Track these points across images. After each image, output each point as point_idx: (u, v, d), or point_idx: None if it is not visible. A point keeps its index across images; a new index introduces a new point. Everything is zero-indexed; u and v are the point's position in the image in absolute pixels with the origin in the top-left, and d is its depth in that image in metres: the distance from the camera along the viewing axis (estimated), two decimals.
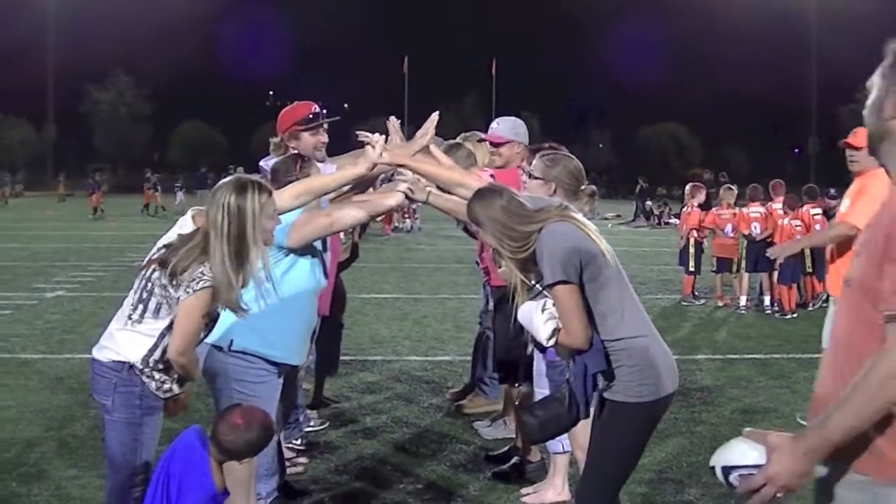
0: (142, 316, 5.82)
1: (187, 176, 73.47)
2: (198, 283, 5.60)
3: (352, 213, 6.83)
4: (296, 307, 6.87)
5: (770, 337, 17.08)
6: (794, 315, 19.86)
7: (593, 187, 7.34)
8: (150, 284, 5.79)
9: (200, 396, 9.56)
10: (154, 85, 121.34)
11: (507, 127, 9.80)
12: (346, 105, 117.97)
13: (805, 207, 21.55)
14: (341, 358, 12.14)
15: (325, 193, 6.72)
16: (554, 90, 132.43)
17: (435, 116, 7.06)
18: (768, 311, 20.36)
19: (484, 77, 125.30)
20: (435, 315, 18.83)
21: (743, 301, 20.86)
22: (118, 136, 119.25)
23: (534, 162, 7.11)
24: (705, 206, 23.88)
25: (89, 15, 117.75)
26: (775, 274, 20.48)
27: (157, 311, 5.76)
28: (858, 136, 9.37)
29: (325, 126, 8.35)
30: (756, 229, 21.22)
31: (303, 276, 6.86)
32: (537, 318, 5.81)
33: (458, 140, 10.32)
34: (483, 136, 10.08)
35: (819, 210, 21.89)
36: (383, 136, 6.63)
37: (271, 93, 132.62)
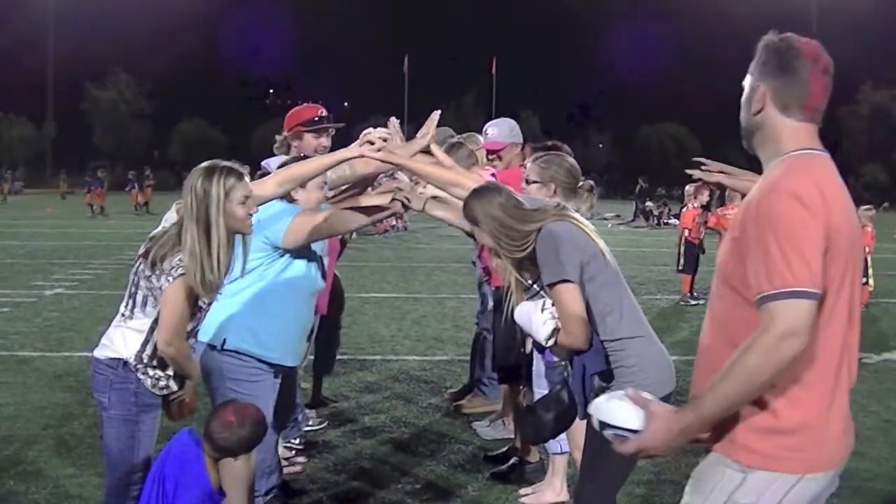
0: (132, 311, 5.86)
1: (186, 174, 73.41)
2: (176, 270, 5.64)
3: (348, 219, 6.81)
4: (292, 308, 6.85)
5: None
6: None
7: (591, 182, 7.36)
8: (136, 278, 5.84)
9: (199, 396, 9.56)
10: (154, 83, 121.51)
11: (503, 131, 9.82)
12: (346, 104, 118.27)
13: None
14: (340, 357, 12.12)
15: (309, 179, 6.66)
16: (554, 89, 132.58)
17: (436, 116, 7.05)
18: None
19: (484, 76, 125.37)
20: (434, 315, 18.83)
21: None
22: (118, 134, 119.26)
23: (528, 166, 7.11)
24: (707, 207, 23.87)
25: (89, 13, 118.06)
26: None
27: (145, 304, 5.79)
28: None
29: (332, 132, 8.40)
30: None
31: (299, 277, 6.84)
32: (536, 317, 5.80)
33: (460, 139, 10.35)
34: (481, 144, 10.07)
35: None
36: (383, 131, 6.62)
37: (271, 91, 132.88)
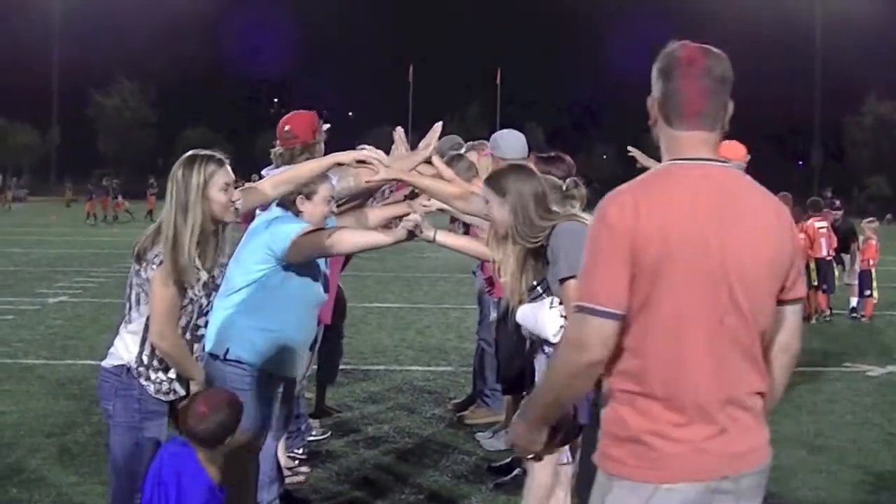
0: (129, 313, 5.93)
1: None
2: (157, 257, 5.75)
3: (353, 239, 6.78)
4: (294, 318, 6.84)
5: None
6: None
7: (574, 179, 7.37)
8: (129, 279, 5.89)
9: None
10: (158, 90, 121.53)
11: (512, 146, 9.83)
12: (350, 113, 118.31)
13: (810, 221, 21.60)
14: (343, 367, 12.11)
15: (305, 180, 6.66)
16: (558, 100, 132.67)
17: (438, 127, 7.05)
18: None
19: (489, 86, 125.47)
20: (438, 325, 18.82)
21: None
22: (122, 142, 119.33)
23: (482, 191, 7.03)
24: None
25: (94, 20, 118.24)
26: None
27: (139, 302, 5.88)
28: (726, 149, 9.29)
29: (324, 137, 8.34)
30: None
31: (302, 288, 6.82)
32: (543, 314, 5.83)
33: (461, 151, 10.35)
34: (489, 151, 10.07)
35: (825, 223, 21.96)
36: (381, 153, 6.60)
37: (276, 100, 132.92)
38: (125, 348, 5.92)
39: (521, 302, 6.23)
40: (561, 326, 5.71)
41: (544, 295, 5.92)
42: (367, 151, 6.52)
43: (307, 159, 7.83)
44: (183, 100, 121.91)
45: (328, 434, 10.51)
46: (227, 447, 5.79)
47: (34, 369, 13.64)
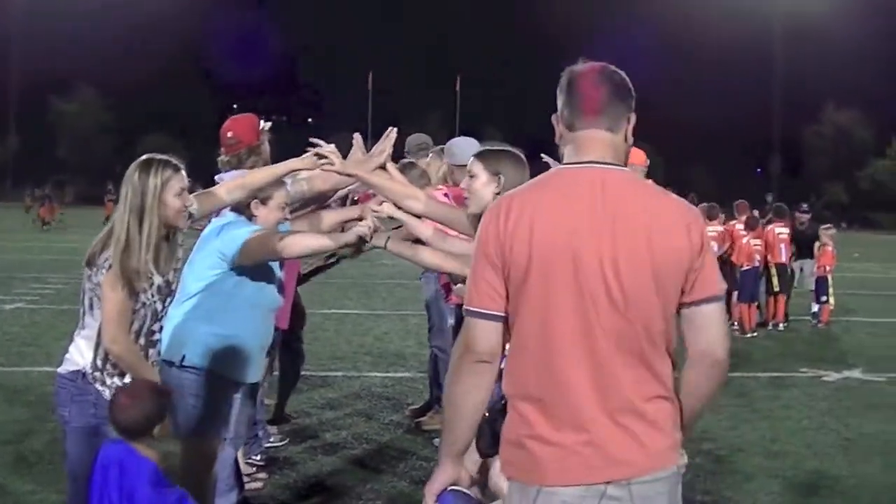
0: (83, 318, 5.91)
1: None
2: (107, 261, 5.76)
3: (304, 242, 6.75)
4: (250, 323, 6.83)
5: (730, 356, 17.04)
6: (755, 334, 20.00)
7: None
8: (83, 284, 5.90)
9: None
10: (118, 97, 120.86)
11: (451, 150, 9.88)
12: (309, 119, 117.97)
13: (770, 226, 21.75)
14: (302, 374, 12.07)
15: (260, 186, 6.67)
16: (517, 107, 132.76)
17: (392, 133, 7.04)
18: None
19: (448, 93, 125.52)
20: (396, 331, 18.83)
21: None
22: (81, 148, 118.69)
23: (470, 161, 6.83)
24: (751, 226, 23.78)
25: (53, 26, 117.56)
26: (735, 293, 20.59)
27: (92, 307, 5.89)
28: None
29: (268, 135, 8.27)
30: (714, 248, 21.28)
31: (257, 293, 6.82)
32: None
33: (428, 150, 10.44)
34: (448, 160, 10.12)
35: (786, 230, 22.11)
36: (330, 146, 6.59)
37: (235, 107, 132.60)
38: (80, 354, 5.91)
39: None
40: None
41: None
42: (320, 147, 6.51)
43: (255, 162, 7.82)
44: (142, 106, 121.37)
45: (286, 441, 10.49)
46: (159, 437, 5.74)
47: None
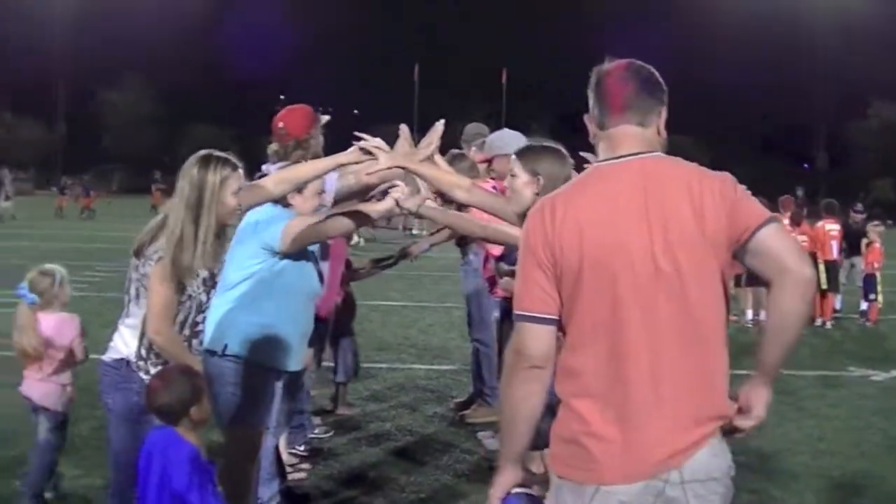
0: (128, 307, 5.93)
1: None
2: (157, 253, 5.77)
3: (343, 221, 6.80)
4: (290, 312, 6.84)
5: None
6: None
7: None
8: (129, 273, 5.90)
9: None
10: (165, 86, 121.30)
11: (489, 145, 9.86)
12: (356, 111, 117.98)
13: (821, 223, 21.56)
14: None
15: (307, 181, 6.69)
16: (564, 101, 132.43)
17: (440, 126, 7.02)
18: None
19: (495, 86, 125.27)
20: (441, 323, 18.87)
21: (749, 315, 20.65)
22: (129, 137, 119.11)
23: (511, 160, 6.88)
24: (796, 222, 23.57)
25: (102, 16, 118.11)
26: None
27: (137, 297, 5.90)
28: None
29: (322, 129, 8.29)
30: None
31: (297, 281, 6.84)
32: None
33: (483, 139, 10.44)
34: (473, 156, 10.12)
35: (836, 226, 21.90)
36: (380, 140, 6.59)
37: (282, 97, 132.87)
38: (124, 342, 5.93)
39: None
40: None
41: None
42: (366, 141, 6.51)
43: (301, 156, 7.81)
44: (189, 96, 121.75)
45: (331, 432, 10.51)
46: (198, 420, 5.75)
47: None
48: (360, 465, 9.56)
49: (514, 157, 6.36)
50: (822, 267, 21.10)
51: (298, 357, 7.12)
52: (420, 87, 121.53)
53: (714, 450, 3.85)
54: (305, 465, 9.33)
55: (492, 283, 10.01)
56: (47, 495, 8.24)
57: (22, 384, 7.99)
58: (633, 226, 3.80)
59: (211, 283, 6.20)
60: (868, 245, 22.68)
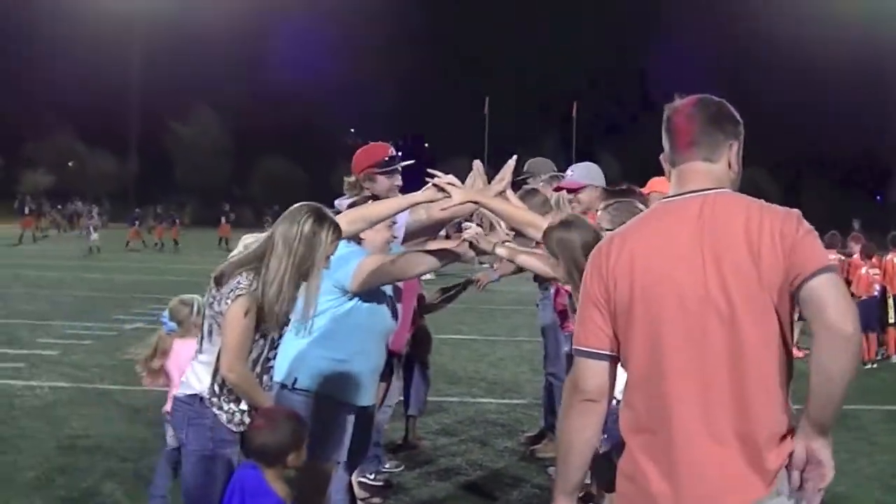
0: (201, 344, 5.95)
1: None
2: (234, 292, 5.71)
3: (417, 262, 6.82)
4: (362, 347, 6.86)
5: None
6: (874, 365, 19.53)
7: None
8: (203, 310, 5.93)
9: None
10: (234, 119, 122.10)
11: (582, 172, 9.80)
12: (426, 145, 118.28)
13: (889, 256, 21.31)
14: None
15: (380, 220, 6.74)
16: (635, 134, 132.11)
17: (512, 162, 7.04)
18: None
19: (565, 119, 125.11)
20: (511, 357, 18.80)
21: None
22: (199, 170, 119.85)
23: (599, 214, 7.07)
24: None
25: (174, 49, 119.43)
26: None
27: (211, 333, 5.88)
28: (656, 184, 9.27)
29: (400, 169, 8.35)
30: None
31: (369, 318, 6.86)
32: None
33: (540, 184, 10.38)
34: (560, 183, 10.08)
35: None
36: (452, 177, 6.61)
37: (352, 130, 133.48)
38: (197, 378, 5.94)
39: None
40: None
41: None
42: (439, 178, 6.53)
43: (358, 192, 7.88)
44: (258, 129, 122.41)
45: (401, 467, 10.51)
46: (292, 467, 5.79)
47: (111, 394, 13.78)
48: (429, 500, 9.55)
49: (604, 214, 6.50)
50: (891, 301, 20.82)
51: (370, 392, 7.14)
52: (490, 120, 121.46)
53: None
54: (376, 500, 9.34)
55: (563, 317, 9.98)
56: None
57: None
58: (685, 258, 3.80)
59: (284, 321, 6.22)
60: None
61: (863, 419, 13.69)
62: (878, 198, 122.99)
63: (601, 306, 3.96)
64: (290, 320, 6.25)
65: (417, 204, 6.69)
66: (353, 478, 8.38)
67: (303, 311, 5.99)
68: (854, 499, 9.95)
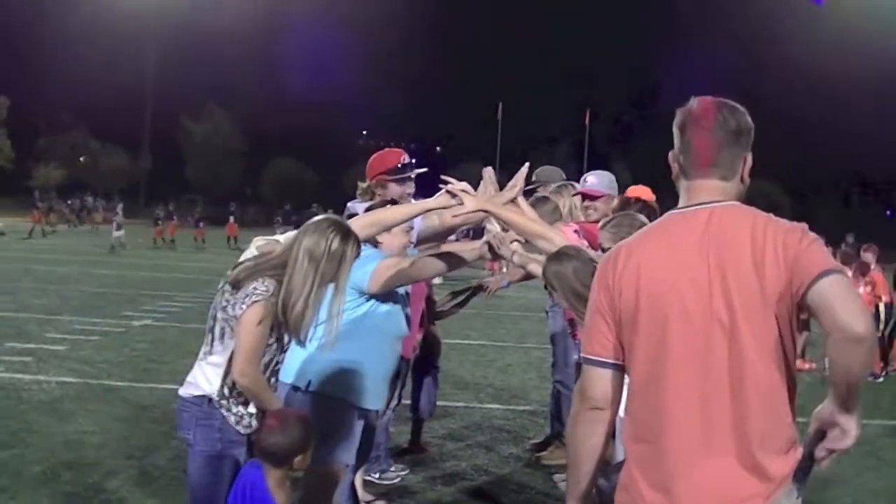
0: (211, 346, 5.91)
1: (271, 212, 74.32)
2: (250, 297, 5.69)
3: (434, 264, 6.85)
4: (376, 352, 6.88)
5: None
6: (880, 380, 19.47)
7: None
8: (214, 311, 5.89)
9: None
10: (249, 120, 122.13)
11: (604, 181, 9.82)
12: (438, 149, 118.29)
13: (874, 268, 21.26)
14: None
15: (394, 225, 6.78)
16: (647, 141, 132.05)
17: (524, 169, 7.05)
18: None
19: (578, 126, 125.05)
20: (519, 364, 18.79)
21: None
22: (211, 169, 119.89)
23: (600, 234, 7.11)
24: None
25: (189, 48, 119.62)
26: None
27: (223, 336, 5.84)
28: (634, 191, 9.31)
29: (413, 176, 8.37)
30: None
31: (383, 322, 6.87)
32: None
33: (549, 192, 10.37)
34: (578, 189, 10.09)
35: None
36: (465, 184, 6.63)
37: (364, 132, 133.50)
38: (206, 380, 5.92)
39: None
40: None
41: None
42: (452, 184, 6.54)
43: (371, 198, 7.91)
44: (270, 129, 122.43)
45: (406, 470, 10.50)
46: (298, 469, 5.79)
47: (117, 391, 13.79)
48: None
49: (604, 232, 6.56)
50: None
51: (382, 396, 7.16)
52: (503, 126, 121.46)
53: None
54: (381, 503, 9.34)
55: (573, 324, 9.98)
56: None
57: None
58: (690, 270, 3.79)
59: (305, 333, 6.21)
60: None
61: (869, 433, 13.66)
62: (889, 213, 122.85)
63: (606, 315, 3.98)
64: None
65: (431, 210, 6.71)
66: (358, 478, 8.39)
67: (326, 331, 6.00)
68: None
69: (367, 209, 7.18)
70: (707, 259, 3.77)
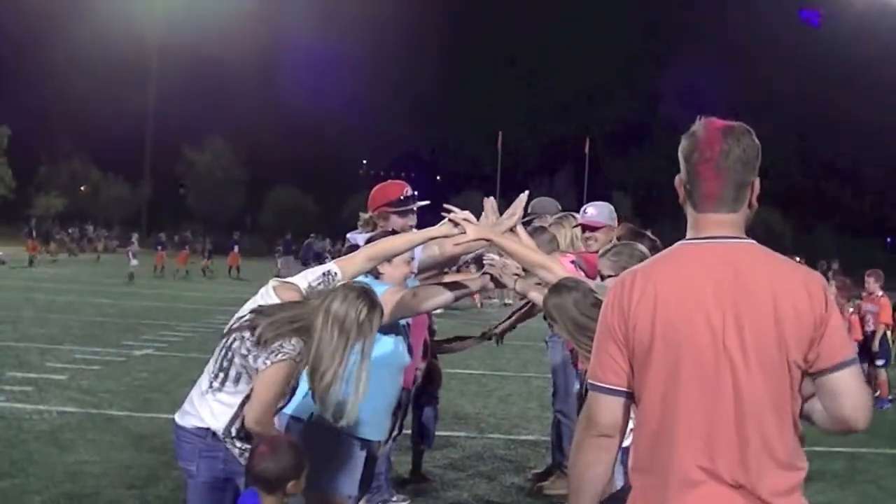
0: (222, 384, 5.89)
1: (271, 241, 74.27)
2: (277, 355, 5.69)
3: (437, 295, 6.86)
4: (378, 383, 6.85)
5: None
6: (887, 408, 19.41)
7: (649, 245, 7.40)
8: (230, 353, 5.88)
9: None
10: (248, 149, 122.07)
11: (603, 213, 9.85)
12: (438, 178, 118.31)
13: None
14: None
15: (398, 254, 6.78)
16: (646, 171, 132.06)
17: (523, 197, 7.08)
18: None
19: (578, 155, 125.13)
20: (520, 393, 18.77)
21: None
22: (211, 198, 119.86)
23: (600, 262, 7.14)
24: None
25: (189, 78, 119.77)
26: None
27: (237, 380, 5.84)
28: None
29: (415, 209, 8.40)
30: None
31: (386, 353, 6.86)
32: None
33: (550, 223, 10.40)
34: (578, 220, 10.12)
35: None
36: (468, 213, 6.66)
37: (364, 162, 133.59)
38: (211, 414, 5.89)
39: None
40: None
41: None
42: (454, 213, 6.57)
43: (372, 229, 7.93)
44: (271, 159, 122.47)
45: (408, 500, 10.49)
46: (292, 494, 5.77)
47: (118, 420, 13.77)
48: None
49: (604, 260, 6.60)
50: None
51: (384, 427, 7.16)
52: (503, 155, 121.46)
53: None
54: None
55: (574, 354, 9.98)
56: None
57: None
58: (707, 309, 3.77)
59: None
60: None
61: (873, 463, 13.65)
62: (889, 240, 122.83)
63: (619, 342, 3.93)
64: None
65: (433, 238, 6.73)
66: None
67: (353, 397, 6.00)
68: None
69: (368, 240, 7.20)
70: (724, 301, 3.75)
